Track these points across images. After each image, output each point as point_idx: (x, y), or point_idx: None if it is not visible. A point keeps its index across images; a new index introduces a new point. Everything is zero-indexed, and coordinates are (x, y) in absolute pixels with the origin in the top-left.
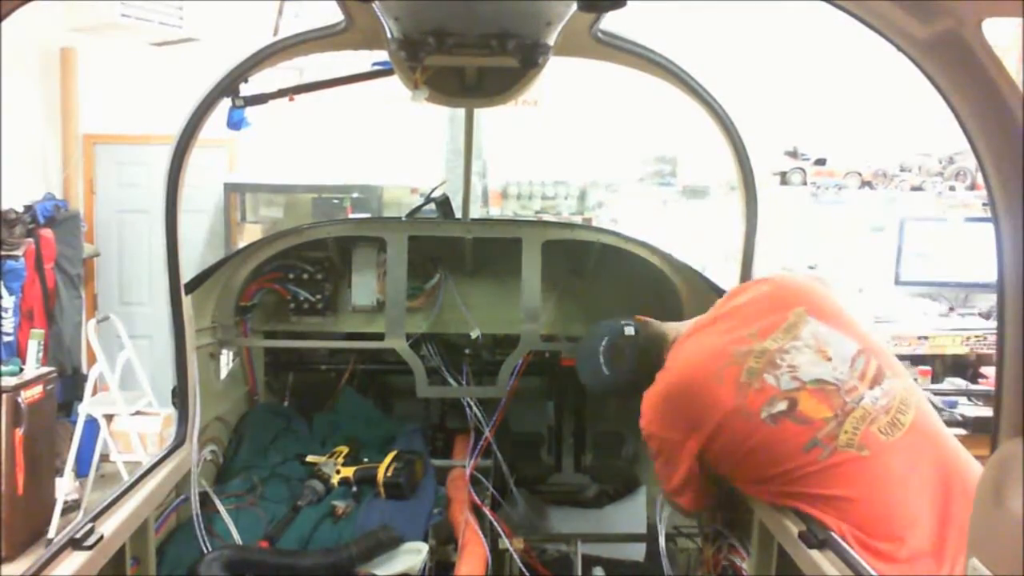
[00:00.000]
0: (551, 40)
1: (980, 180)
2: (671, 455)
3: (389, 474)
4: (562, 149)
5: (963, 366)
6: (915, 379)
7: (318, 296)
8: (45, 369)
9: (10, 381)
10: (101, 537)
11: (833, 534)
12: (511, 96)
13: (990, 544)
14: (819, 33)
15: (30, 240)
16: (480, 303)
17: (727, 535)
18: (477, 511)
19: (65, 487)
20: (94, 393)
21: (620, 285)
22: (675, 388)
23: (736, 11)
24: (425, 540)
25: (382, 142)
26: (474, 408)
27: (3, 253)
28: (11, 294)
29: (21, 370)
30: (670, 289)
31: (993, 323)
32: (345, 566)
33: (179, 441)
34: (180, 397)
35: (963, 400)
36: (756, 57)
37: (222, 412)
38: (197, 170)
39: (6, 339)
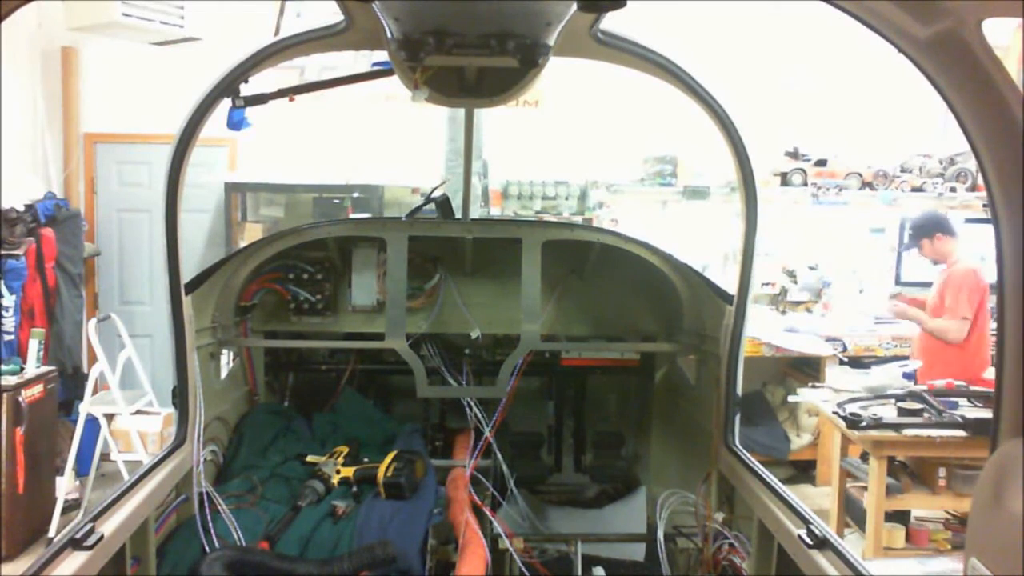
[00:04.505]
0: (551, 40)
1: (981, 181)
2: None
3: (389, 474)
4: (562, 149)
5: None
6: None
7: (318, 296)
8: (46, 368)
9: (11, 380)
10: (101, 537)
11: (830, 537)
12: (511, 96)
13: (990, 544)
14: (820, 34)
15: (31, 239)
16: (480, 303)
17: (727, 535)
18: (477, 511)
19: (65, 486)
20: (95, 392)
21: (620, 285)
22: None
23: (737, 11)
24: (425, 540)
25: (382, 142)
26: (474, 408)
27: (4, 252)
28: (12, 293)
29: (22, 369)
30: (670, 289)
31: (993, 324)
32: None
33: (179, 441)
34: (180, 397)
35: (963, 401)
36: (757, 57)
37: (222, 412)
38: (198, 169)
39: (7, 338)
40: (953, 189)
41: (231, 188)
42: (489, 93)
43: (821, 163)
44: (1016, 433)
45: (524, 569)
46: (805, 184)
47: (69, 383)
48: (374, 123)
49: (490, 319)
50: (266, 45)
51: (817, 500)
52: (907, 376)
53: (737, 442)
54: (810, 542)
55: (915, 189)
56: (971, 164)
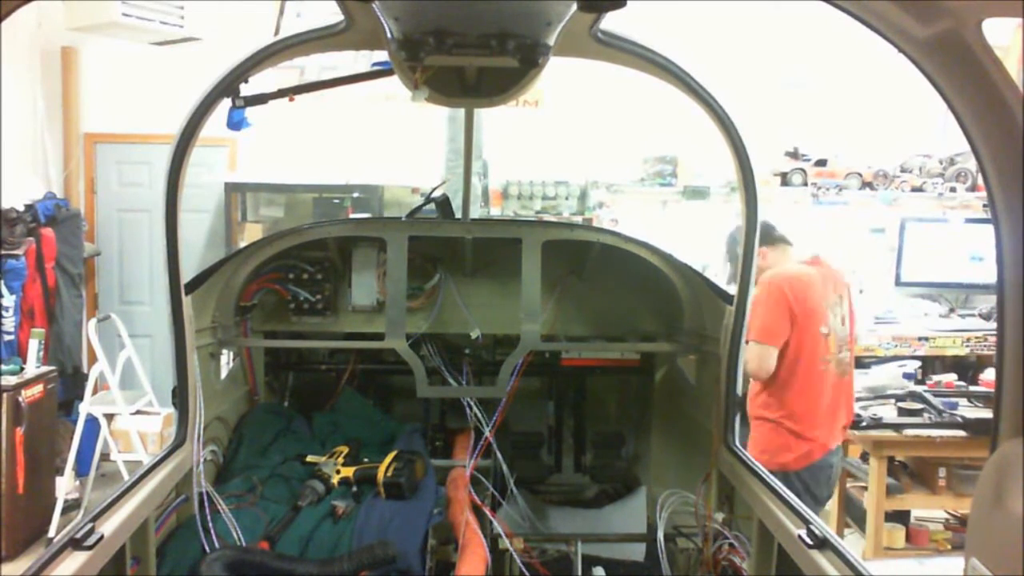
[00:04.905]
0: (551, 40)
1: (981, 181)
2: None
3: (389, 474)
4: (562, 149)
5: (963, 367)
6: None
7: (318, 296)
8: (46, 368)
9: (11, 380)
10: (101, 537)
11: (830, 537)
12: (511, 96)
13: (990, 544)
14: (820, 33)
15: (31, 239)
16: (480, 303)
17: (727, 535)
18: (477, 511)
19: (65, 486)
20: (94, 392)
21: (620, 285)
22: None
23: (737, 10)
24: (425, 540)
25: (382, 142)
26: (474, 408)
27: (4, 252)
28: (12, 293)
29: (22, 369)
30: (670, 289)
31: (993, 324)
32: None
33: (179, 441)
34: (180, 397)
35: (963, 401)
36: (757, 57)
37: (222, 412)
38: (198, 169)
39: (7, 338)
40: (953, 189)
41: (231, 188)
42: (489, 93)
43: (821, 163)
44: (1016, 433)
45: (524, 569)
46: (805, 184)
47: (69, 383)
48: (374, 123)
49: (490, 319)
50: (266, 45)
51: None
52: (907, 376)
53: (737, 442)
54: (810, 542)
55: (915, 189)
56: (971, 164)
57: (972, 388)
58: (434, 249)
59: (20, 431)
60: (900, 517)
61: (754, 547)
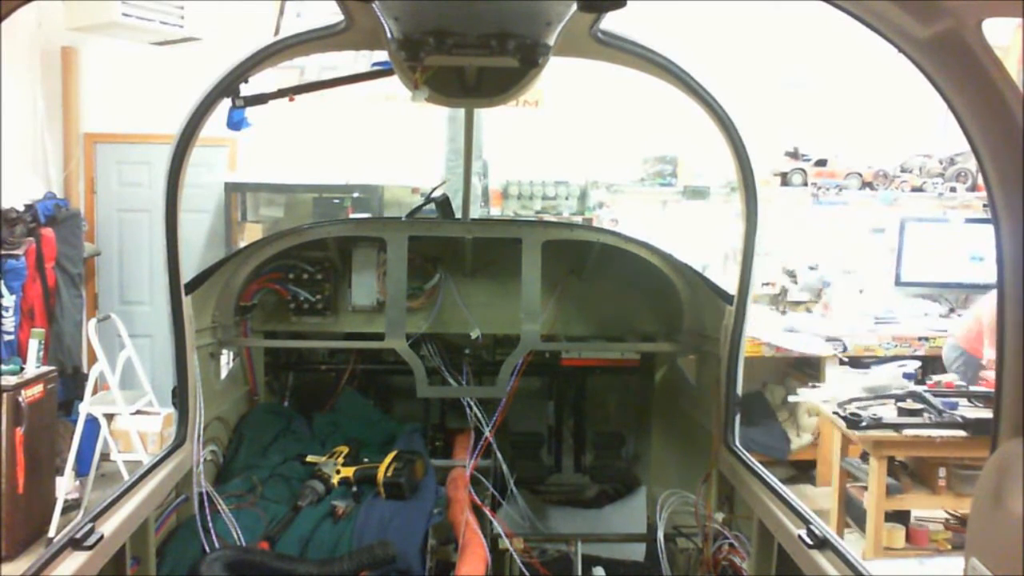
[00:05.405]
0: (551, 40)
1: (981, 181)
2: None
3: (389, 474)
4: (562, 149)
5: None
6: None
7: (318, 296)
8: (46, 368)
9: (11, 380)
10: (101, 537)
11: (830, 537)
12: (511, 96)
13: (990, 544)
14: (820, 33)
15: (31, 239)
16: (480, 303)
17: (727, 535)
18: (477, 511)
19: (65, 486)
20: (94, 392)
21: (620, 285)
22: None
23: (737, 10)
24: (425, 540)
25: (382, 142)
26: (474, 408)
27: (4, 252)
28: (12, 293)
29: (22, 369)
30: (670, 289)
31: None
32: None
33: (179, 441)
34: (180, 397)
35: (963, 401)
36: (757, 57)
37: (222, 412)
38: (198, 169)
39: (7, 338)
40: (953, 189)
41: (231, 188)
42: (489, 93)
43: (821, 163)
44: (1016, 433)
45: (524, 569)
46: (805, 184)
47: (69, 383)
48: (374, 123)
49: (490, 319)
50: (266, 45)
51: (817, 500)
52: (907, 376)
53: (737, 442)
54: (810, 542)
55: (915, 189)
56: (971, 164)
57: (972, 388)
58: (434, 249)
59: (20, 431)
60: (900, 517)
61: (754, 547)
